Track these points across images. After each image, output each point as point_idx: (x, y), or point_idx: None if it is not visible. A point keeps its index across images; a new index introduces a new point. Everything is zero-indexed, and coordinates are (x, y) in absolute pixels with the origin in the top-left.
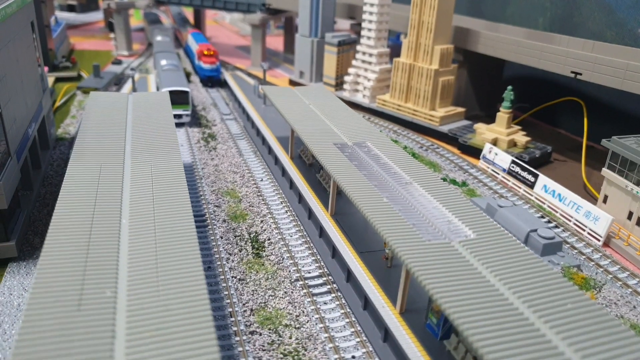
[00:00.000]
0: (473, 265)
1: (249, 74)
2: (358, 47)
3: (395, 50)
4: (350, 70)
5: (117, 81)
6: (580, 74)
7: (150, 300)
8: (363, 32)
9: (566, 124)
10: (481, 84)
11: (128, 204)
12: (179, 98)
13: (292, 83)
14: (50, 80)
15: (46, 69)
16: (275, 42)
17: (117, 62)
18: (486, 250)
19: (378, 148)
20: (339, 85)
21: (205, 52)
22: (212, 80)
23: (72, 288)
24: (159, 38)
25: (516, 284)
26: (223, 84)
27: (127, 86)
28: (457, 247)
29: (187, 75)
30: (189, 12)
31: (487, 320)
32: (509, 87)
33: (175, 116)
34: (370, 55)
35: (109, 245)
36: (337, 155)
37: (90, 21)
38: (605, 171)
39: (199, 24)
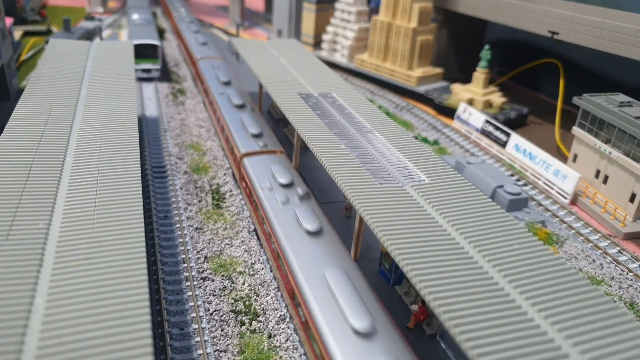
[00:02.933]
0: (423, 207)
1: (226, 32)
2: (337, 5)
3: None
4: (329, 28)
5: (89, 37)
6: (557, 34)
7: (84, 234)
8: None
9: (545, 88)
10: (461, 46)
11: (75, 143)
12: (148, 52)
13: None
14: (18, 33)
15: (10, 20)
16: (257, 3)
17: (90, 18)
18: (438, 194)
19: (343, 99)
20: (317, 44)
21: None
22: None
23: (2, 219)
24: None
25: (466, 226)
26: None
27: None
28: (409, 190)
29: (161, 31)
30: None
31: (433, 261)
32: (486, 46)
33: (145, 70)
34: (349, 13)
35: (49, 181)
36: (300, 104)
37: None
38: (575, 129)
39: None
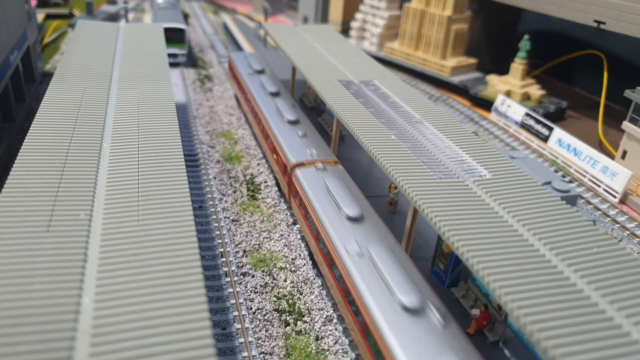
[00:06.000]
0: (489, 204)
1: (251, 19)
2: None
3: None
4: (358, 15)
5: (112, 21)
6: (604, 23)
7: (129, 225)
8: None
9: (582, 81)
10: (494, 36)
11: (111, 128)
12: (174, 36)
13: None
14: (41, 16)
15: (33, 2)
16: None
17: (112, 2)
18: (503, 190)
19: (386, 87)
20: (345, 31)
21: None
22: None
23: (42, 209)
24: None
25: (536, 225)
26: None
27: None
28: (471, 186)
29: (185, 15)
30: None
31: (505, 260)
32: (526, 36)
33: (170, 55)
34: (380, 0)
35: (87, 168)
36: (342, 92)
37: None
38: (626, 124)
39: None
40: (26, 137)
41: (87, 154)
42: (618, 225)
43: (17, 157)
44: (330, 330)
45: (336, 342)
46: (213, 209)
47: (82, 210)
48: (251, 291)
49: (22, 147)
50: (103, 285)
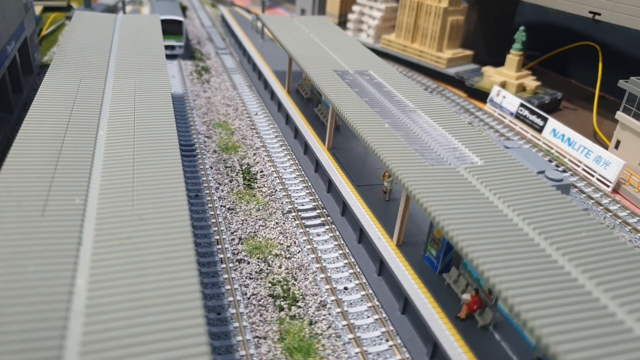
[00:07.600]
0: (480, 190)
1: (248, 11)
2: None
3: None
4: (355, 8)
5: (109, 13)
6: (599, 14)
7: (123, 210)
8: None
9: (577, 73)
10: (491, 29)
11: (107, 116)
12: (172, 28)
13: None
14: (38, 9)
15: None
16: None
17: None
18: (494, 177)
19: (381, 76)
20: (342, 24)
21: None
22: None
23: (37, 194)
24: None
25: (527, 211)
26: None
27: None
28: (463, 172)
29: (183, 8)
30: None
31: (495, 245)
32: (521, 28)
33: (168, 47)
34: None
35: (82, 155)
36: (337, 82)
37: None
38: (619, 114)
39: None
40: (23, 123)
41: (83, 141)
42: (610, 214)
43: (14, 143)
44: (324, 315)
45: (329, 327)
46: (209, 198)
47: (78, 195)
48: (246, 277)
49: (18, 133)
50: (97, 267)
